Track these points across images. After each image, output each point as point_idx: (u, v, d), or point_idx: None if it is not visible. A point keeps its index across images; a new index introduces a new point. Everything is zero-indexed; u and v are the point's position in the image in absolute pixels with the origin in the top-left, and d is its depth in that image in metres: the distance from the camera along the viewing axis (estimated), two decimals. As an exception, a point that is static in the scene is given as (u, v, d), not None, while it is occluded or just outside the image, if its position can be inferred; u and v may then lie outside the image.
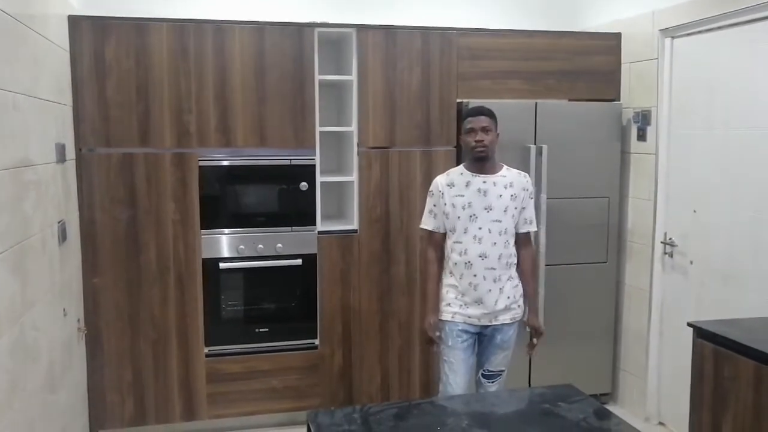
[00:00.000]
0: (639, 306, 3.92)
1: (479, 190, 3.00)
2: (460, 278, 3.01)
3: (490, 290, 2.99)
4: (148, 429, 3.67)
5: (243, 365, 3.70)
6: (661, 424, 3.85)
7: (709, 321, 2.66)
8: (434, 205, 3.07)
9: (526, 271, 3.12)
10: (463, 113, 3.10)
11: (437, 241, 3.10)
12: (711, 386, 2.52)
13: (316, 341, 3.79)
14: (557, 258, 3.93)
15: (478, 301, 3.00)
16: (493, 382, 3.11)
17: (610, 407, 3.77)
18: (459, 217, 2.99)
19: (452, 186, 3.03)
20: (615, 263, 4.05)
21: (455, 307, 3.03)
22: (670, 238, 3.71)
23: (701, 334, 2.57)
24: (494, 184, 3.00)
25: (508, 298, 3.03)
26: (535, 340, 3.13)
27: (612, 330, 4.09)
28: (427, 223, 3.10)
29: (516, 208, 3.03)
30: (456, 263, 3.02)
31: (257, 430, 3.79)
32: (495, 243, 2.98)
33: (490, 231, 2.98)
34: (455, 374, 3.02)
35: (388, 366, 3.90)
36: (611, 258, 4.03)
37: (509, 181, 3.03)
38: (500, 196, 2.99)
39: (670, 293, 3.74)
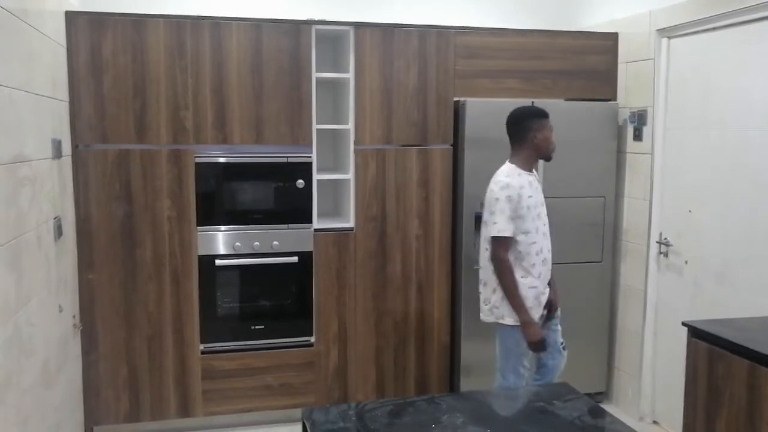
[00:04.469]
0: (634, 305, 3.93)
1: (537, 189, 3.11)
2: (539, 277, 3.09)
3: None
4: (143, 425, 3.67)
5: (238, 362, 3.70)
6: (655, 422, 3.86)
7: (703, 320, 2.66)
8: (513, 210, 2.99)
9: None
10: (536, 112, 3.10)
11: (510, 247, 3.03)
12: (705, 385, 2.53)
13: (312, 339, 3.80)
14: (553, 257, 3.92)
15: (545, 294, 3.13)
16: None
17: (605, 406, 3.78)
18: (533, 218, 3.04)
19: (523, 188, 3.02)
20: (610, 262, 4.06)
21: (537, 309, 3.08)
22: (665, 238, 3.72)
23: (695, 333, 2.58)
24: (540, 180, 3.20)
25: None
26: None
27: (607, 329, 4.10)
28: (508, 229, 2.99)
29: None
30: (534, 264, 3.07)
31: (252, 427, 3.79)
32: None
33: (548, 225, 3.15)
34: (527, 373, 3.15)
35: (383, 364, 3.90)
36: (606, 257, 4.04)
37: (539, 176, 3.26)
38: (543, 191, 3.19)
39: (665, 293, 3.75)
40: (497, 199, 3.00)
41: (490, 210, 3.03)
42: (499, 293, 3.08)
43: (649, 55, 3.73)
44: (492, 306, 3.13)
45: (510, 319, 3.07)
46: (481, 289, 3.19)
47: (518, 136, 3.10)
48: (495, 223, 3.00)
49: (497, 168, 3.81)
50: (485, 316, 3.18)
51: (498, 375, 3.21)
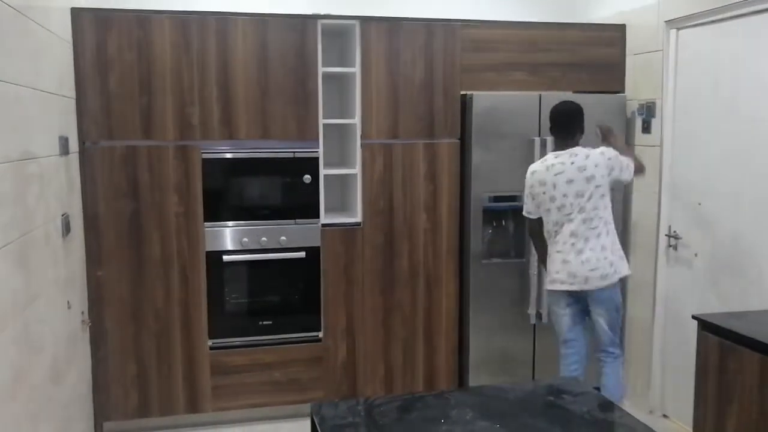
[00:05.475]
0: (643, 299, 3.91)
1: None
2: None
3: None
4: (152, 421, 3.68)
5: (247, 358, 3.71)
6: (665, 416, 3.84)
7: (713, 314, 2.65)
8: None
9: None
10: (581, 106, 3.38)
11: None
12: (715, 379, 2.51)
13: (320, 334, 3.80)
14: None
15: None
16: None
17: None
18: None
19: None
20: (619, 256, 4.03)
21: None
22: (674, 231, 3.69)
23: (706, 326, 2.57)
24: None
25: None
26: None
27: (616, 323, 4.08)
28: None
29: None
30: None
31: (261, 422, 3.80)
32: None
33: None
34: None
35: (392, 359, 3.90)
36: (615, 251, 4.01)
37: None
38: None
39: (675, 286, 3.73)
40: (610, 157, 3.28)
41: (615, 165, 3.28)
42: (616, 250, 3.30)
43: (658, 46, 3.70)
44: (614, 266, 3.27)
45: (625, 269, 3.34)
46: (601, 258, 3.24)
47: (574, 128, 3.36)
48: (627, 166, 3.33)
49: (505, 160, 3.80)
50: (609, 280, 3.26)
51: (614, 351, 3.38)
